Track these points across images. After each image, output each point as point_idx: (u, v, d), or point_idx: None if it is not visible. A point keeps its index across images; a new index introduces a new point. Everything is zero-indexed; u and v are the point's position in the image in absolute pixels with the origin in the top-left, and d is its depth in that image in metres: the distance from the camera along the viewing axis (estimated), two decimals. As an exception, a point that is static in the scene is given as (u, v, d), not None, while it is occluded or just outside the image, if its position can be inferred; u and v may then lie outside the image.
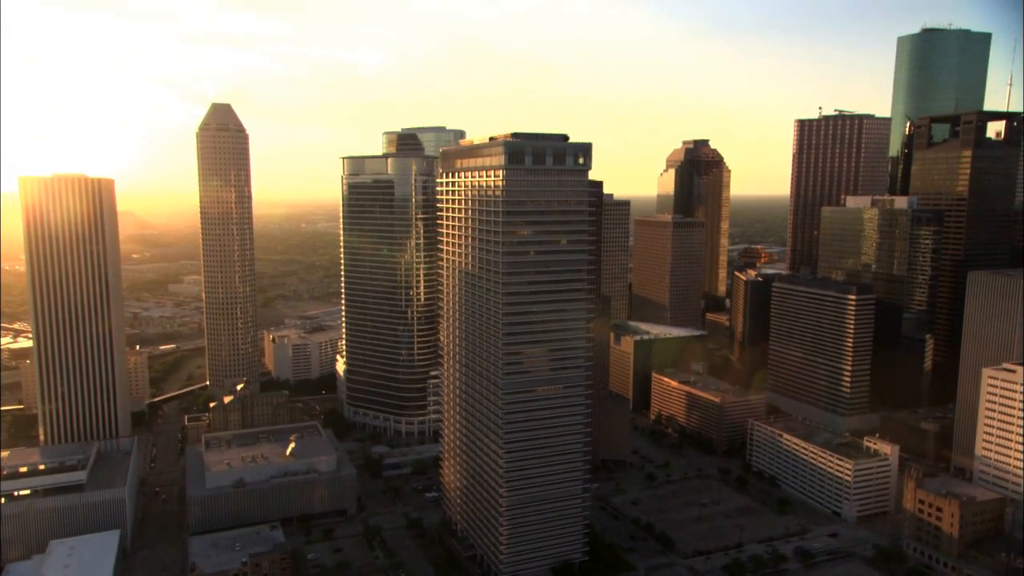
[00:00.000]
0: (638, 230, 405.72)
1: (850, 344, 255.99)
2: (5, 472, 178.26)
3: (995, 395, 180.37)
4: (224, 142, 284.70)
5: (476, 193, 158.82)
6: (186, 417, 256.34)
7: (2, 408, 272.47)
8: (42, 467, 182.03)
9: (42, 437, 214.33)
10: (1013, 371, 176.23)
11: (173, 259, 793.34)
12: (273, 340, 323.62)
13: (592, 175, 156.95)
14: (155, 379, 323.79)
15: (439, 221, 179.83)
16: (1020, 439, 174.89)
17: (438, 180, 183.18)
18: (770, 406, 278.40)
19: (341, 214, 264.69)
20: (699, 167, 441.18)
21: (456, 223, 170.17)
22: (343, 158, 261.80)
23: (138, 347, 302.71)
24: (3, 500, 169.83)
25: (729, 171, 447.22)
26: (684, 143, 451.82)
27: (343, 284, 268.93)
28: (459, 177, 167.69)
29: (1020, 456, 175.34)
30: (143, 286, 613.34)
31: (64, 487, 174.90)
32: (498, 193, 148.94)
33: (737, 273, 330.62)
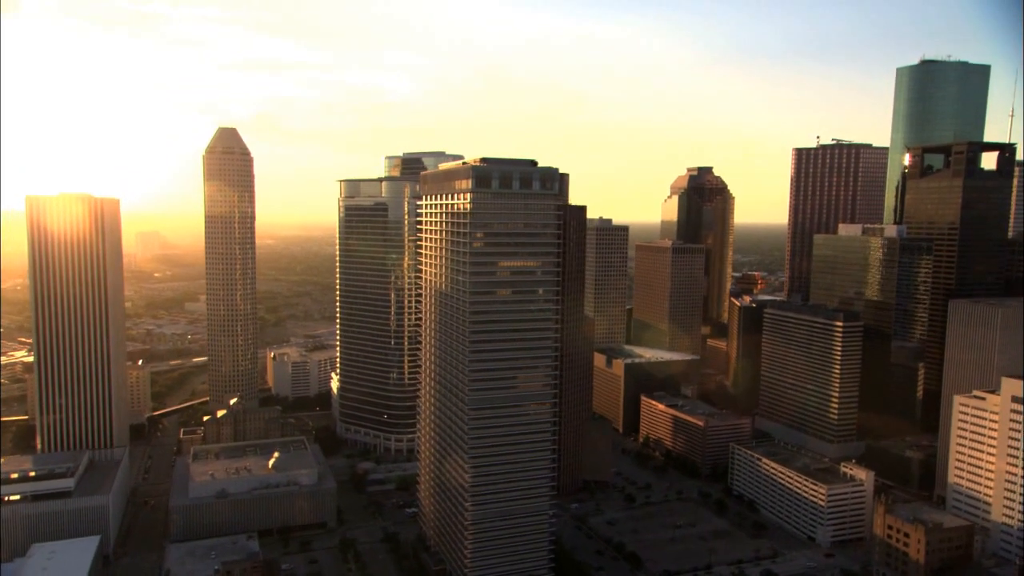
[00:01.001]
0: (639, 255, 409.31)
1: (837, 371, 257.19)
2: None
3: (966, 422, 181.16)
4: (229, 164, 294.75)
5: (449, 215, 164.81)
6: (182, 430, 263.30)
7: (7, 419, 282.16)
8: (32, 474, 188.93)
9: (39, 446, 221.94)
10: (983, 398, 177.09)
11: (193, 279, 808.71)
12: (273, 358, 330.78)
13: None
14: (159, 394, 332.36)
15: (419, 243, 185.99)
16: (990, 467, 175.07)
17: (418, 203, 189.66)
18: (759, 431, 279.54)
19: (337, 235, 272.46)
20: (703, 194, 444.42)
21: (433, 244, 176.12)
22: (340, 181, 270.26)
23: (140, 362, 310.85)
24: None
25: (733, 198, 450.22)
26: (688, 170, 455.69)
27: (338, 304, 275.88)
28: (435, 200, 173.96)
29: (990, 484, 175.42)
30: (161, 304, 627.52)
31: (52, 493, 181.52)
32: (466, 215, 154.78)
33: (733, 299, 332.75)
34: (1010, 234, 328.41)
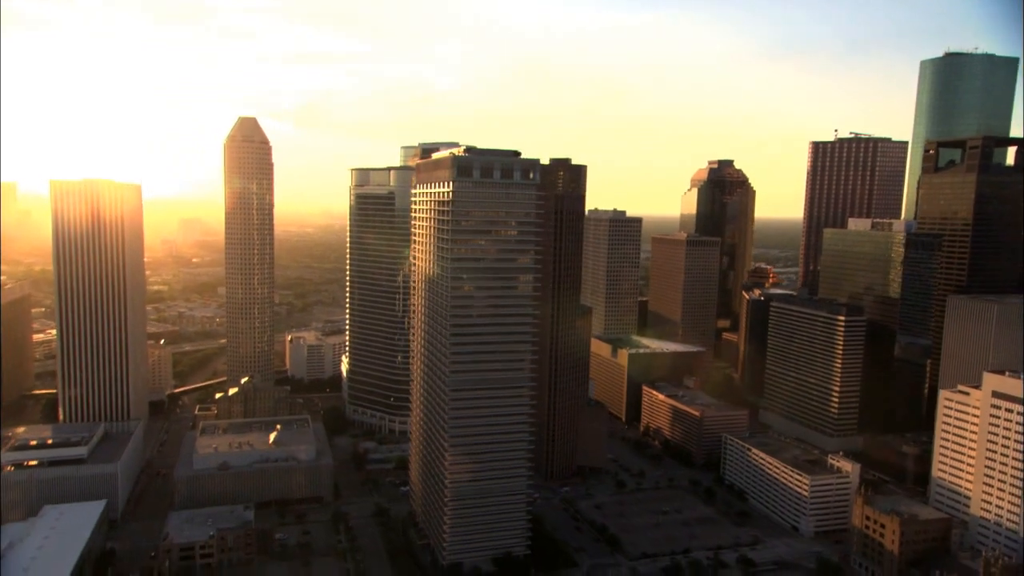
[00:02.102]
0: (655, 248, 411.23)
1: (839, 365, 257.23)
2: (17, 444, 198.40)
3: (950, 417, 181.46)
4: (248, 153, 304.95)
5: (435, 204, 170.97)
6: (197, 407, 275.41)
7: (40, 392, 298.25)
8: (49, 441, 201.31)
9: (61, 417, 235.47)
10: (967, 393, 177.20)
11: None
12: (291, 341, 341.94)
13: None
14: (183, 373, 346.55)
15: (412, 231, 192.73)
16: (971, 461, 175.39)
17: (412, 192, 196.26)
18: (762, 424, 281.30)
19: (348, 223, 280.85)
20: (723, 187, 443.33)
21: (422, 232, 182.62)
22: (351, 169, 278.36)
23: (162, 342, 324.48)
24: (12, 468, 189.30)
25: (754, 192, 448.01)
26: (709, 163, 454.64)
27: (347, 289, 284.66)
28: (424, 188, 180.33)
29: (971, 478, 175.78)
30: (195, 288, 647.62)
31: (66, 460, 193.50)
32: (448, 203, 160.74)
33: (744, 293, 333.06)
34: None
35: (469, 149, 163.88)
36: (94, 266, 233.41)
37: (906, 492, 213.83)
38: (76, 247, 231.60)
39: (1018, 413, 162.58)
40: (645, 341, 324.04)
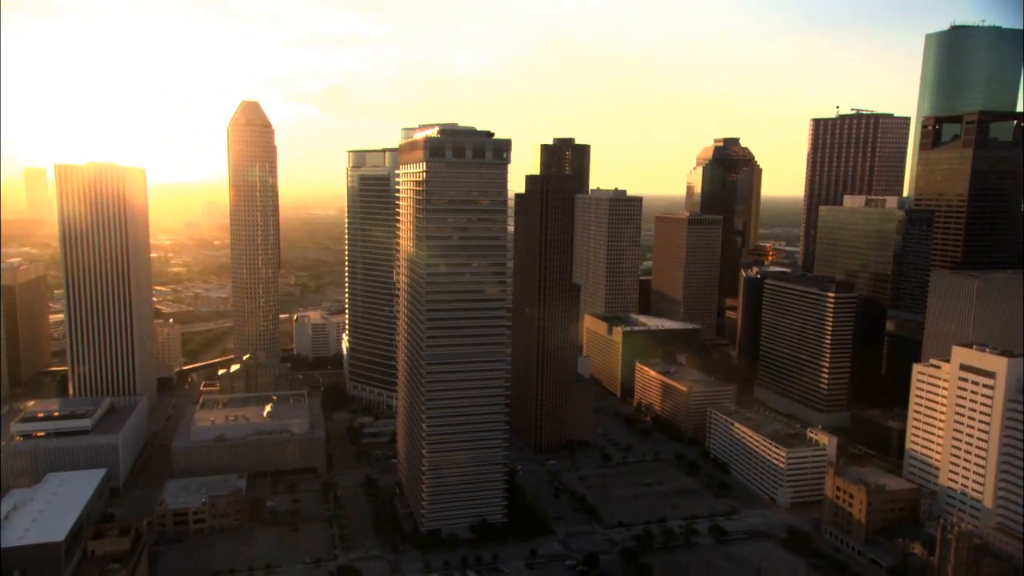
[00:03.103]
0: (658, 227, 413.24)
1: (828, 341, 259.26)
2: (26, 416, 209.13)
3: (922, 391, 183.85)
4: (251, 136, 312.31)
5: (412, 184, 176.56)
6: (203, 383, 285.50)
7: (56, 368, 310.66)
8: (56, 414, 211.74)
9: (71, 391, 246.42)
10: (938, 367, 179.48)
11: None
12: (295, 320, 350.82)
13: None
14: (194, 351, 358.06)
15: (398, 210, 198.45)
16: (941, 433, 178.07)
17: (396, 172, 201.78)
18: (756, 400, 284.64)
19: (346, 204, 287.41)
20: (728, 165, 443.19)
21: (404, 212, 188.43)
22: (349, 151, 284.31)
23: (171, 321, 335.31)
24: (20, 438, 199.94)
25: (760, 170, 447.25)
26: (715, 141, 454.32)
27: (346, 269, 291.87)
28: (404, 169, 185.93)
29: (940, 449, 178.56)
30: (214, 269, 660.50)
31: (71, 431, 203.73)
32: (423, 183, 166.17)
33: (742, 270, 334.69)
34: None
35: (444, 130, 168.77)
36: (98, 247, 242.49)
37: (889, 465, 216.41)
38: (81, 229, 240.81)
39: (984, 386, 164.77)
40: (642, 319, 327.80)
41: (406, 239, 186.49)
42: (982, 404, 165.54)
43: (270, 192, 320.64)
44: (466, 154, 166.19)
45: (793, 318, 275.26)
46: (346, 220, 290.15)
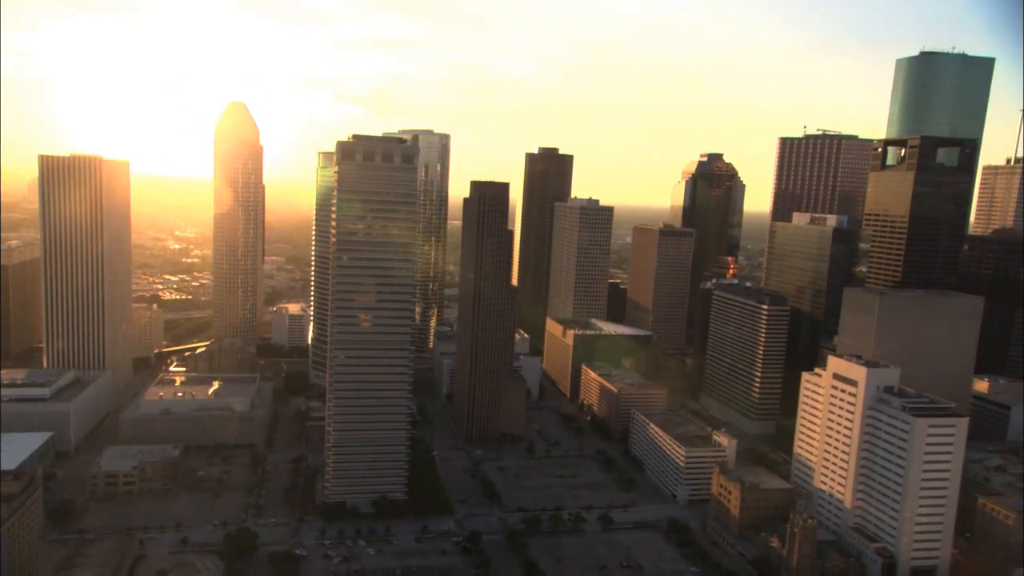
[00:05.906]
0: (635, 237, 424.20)
1: (761, 352, 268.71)
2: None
3: (808, 398, 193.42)
4: (236, 135, 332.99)
5: (332, 183, 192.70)
6: (174, 363, 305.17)
7: (41, 344, 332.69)
8: (19, 381, 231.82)
9: (44, 364, 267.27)
10: (819, 375, 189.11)
11: (270, 242, 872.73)
12: (274, 311, 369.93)
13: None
14: (180, 335, 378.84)
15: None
16: (817, 438, 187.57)
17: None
18: (701, 407, 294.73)
19: (315, 204, 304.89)
20: (711, 180, 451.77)
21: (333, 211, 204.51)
22: (319, 152, 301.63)
23: (155, 306, 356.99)
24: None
25: (744, 185, 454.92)
26: (700, 156, 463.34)
27: (313, 264, 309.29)
28: (332, 170, 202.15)
29: (815, 454, 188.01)
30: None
31: (30, 398, 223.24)
32: (334, 184, 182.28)
33: (703, 283, 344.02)
34: (990, 230, 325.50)
35: (357, 137, 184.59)
36: (75, 232, 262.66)
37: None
38: (59, 215, 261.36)
39: (849, 393, 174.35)
40: (601, 324, 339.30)
41: (334, 235, 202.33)
42: (847, 411, 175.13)
43: (252, 189, 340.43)
44: (375, 158, 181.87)
45: (733, 329, 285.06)
46: (313, 220, 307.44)
